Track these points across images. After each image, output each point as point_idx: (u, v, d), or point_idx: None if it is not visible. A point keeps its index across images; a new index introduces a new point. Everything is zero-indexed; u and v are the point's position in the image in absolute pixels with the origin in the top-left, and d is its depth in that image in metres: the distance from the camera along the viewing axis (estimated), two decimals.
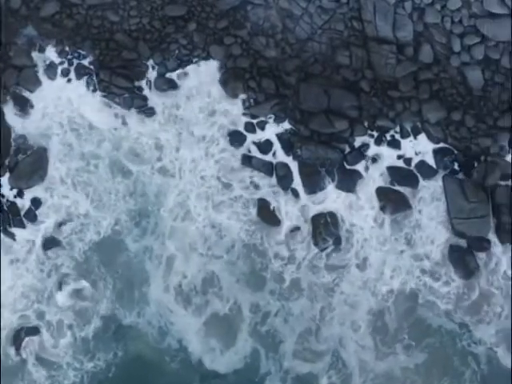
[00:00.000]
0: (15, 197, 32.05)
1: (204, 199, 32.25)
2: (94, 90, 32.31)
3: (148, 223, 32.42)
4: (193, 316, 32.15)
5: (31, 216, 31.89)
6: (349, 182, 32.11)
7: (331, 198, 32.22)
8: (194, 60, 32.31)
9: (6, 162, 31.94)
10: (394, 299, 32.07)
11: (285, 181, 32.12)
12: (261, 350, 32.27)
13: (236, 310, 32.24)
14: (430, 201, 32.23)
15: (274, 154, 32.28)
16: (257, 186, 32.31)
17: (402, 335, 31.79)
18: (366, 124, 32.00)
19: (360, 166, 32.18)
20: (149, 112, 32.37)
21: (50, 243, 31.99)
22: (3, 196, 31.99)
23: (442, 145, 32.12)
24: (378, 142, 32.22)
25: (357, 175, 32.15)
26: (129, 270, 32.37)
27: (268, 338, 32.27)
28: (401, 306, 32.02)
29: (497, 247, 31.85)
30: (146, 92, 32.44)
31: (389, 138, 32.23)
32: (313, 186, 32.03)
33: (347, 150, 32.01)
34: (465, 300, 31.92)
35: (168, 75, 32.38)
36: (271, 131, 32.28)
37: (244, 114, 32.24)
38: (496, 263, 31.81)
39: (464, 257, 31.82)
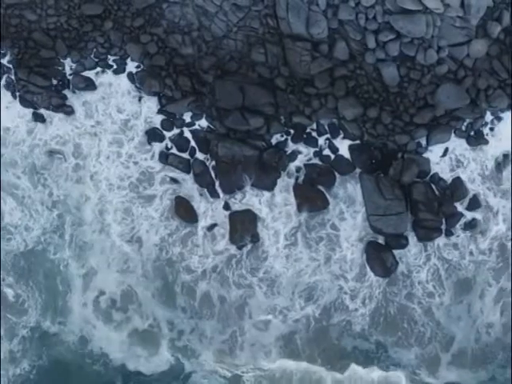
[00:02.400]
0: None
1: (120, 203, 32.58)
2: (13, 89, 32.44)
3: (68, 235, 32.74)
4: (115, 331, 32.87)
5: None
6: (266, 179, 32.15)
7: (248, 196, 32.26)
8: (112, 59, 32.34)
9: None
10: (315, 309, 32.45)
11: (202, 178, 32.23)
12: (183, 359, 33.00)
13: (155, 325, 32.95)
14: (347, 198, 32.20)
15: (191, 151, 32.31)
16: (174, 184, 32.36)
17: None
18: (282, 121, 32.00)
19: (278, 164, 32.11)
20: (68, 111, 32.49)
21: None
22: None
23: (358, 142, 32.04)
24: (295, 139, 32.19)
25: (274, 173, 32.15)
26: (52, 280, 32.92)
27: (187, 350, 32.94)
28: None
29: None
30: (64, 90, 32.57)
31: (305, 135, 32.16)
32: (230, 183, 32.10)
33: (264, 147, 31.96)
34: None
35: (86, 74, 32.47)
36: (188, 128, 32.29)
37: (160, 112, 32.27)
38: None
39: (381, 254, 31.79)
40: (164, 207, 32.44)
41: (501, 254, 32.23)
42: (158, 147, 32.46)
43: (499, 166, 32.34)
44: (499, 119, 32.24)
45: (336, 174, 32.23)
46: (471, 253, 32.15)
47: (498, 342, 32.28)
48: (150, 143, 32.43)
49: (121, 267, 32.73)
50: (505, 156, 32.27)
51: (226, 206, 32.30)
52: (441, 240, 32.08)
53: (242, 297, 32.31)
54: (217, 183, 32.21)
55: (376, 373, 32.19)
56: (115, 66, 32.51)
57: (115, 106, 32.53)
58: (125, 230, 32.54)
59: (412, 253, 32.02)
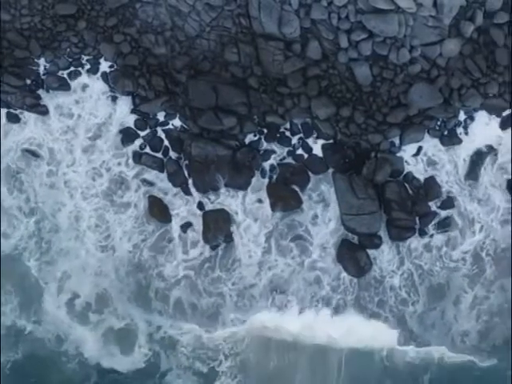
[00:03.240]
0: None
1: (94, 211, 32.73)
2: None
3: (44, 242, 32.89)
4: (89, 330, 32.97)
5: None
6: (239, 179, 32.21)
7: (222, 195, 32.31)
8: (85, 58, 32.39)
9: None
10: None
11: (176, 178, 32.29)
12: (160, 352, 33.07)
13: (132, 324, 33.08)
14: (320, 197, 32.26)
15: (164, 151, 32.37)
16: (148, 183, 32.43)
17: None
18: (255, 121, 32.05)
19: (251, 163, 32.16)
20: (42, 110, 32.56)
21: None
22: None
23: (331, 141, 32.07)
24: (269, 138, 32.26)
25: (248, 172, 32.20)
26: (28, 283, 33.14)
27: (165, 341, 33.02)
28: None
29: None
30: (39, 90, 32.61)
31: (279, 134, 32.20)
32: (203, 182, 32.15)
33: (237, 146, 32.01)
34: None
35: (60, 73, 32.52)
36: (161, 128, 32.36)
37: (134, 112, 32.33)
38: None
39: (354, 253, 31.83)
40: (138, 212, 32.53)
41: (475, 262, 32.29)
42: (131, 149, 32.47)
43: (474, 166, 32.35)
44: (472, 118, 32.27)
45: (310, 173, 32.27)
46: (446, 259, 32.18)
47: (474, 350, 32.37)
48: (123, 144, 32.45)
49: (95, 272, 32.80)
50: (477, 154, 32.30)
51: (200, 206, 32.35)
52: (415, 243, 32.13)
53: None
54: (190, 183, 32.25)
55: None
56: (89, 66, 32.59)
57: (89, 106, 32.56)
58: (99, 237, 32.68)
59: (385, 259, 32.02)
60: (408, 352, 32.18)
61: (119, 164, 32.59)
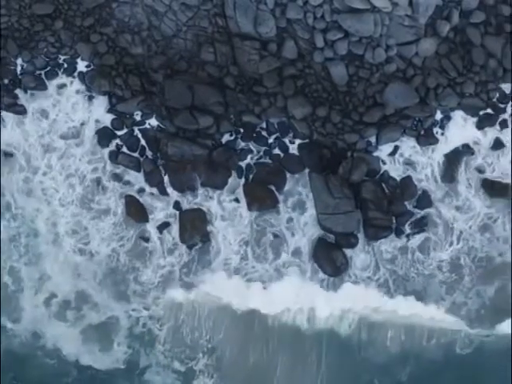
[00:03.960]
0: None
1: (71, 216, 32.73)
2: None
3: (23, 246, 32.92)
4: (68, 328, 32.94)
5: None
6: (216, 178, 32.23)
7: (199, 195, 32.37)
8: (63, 58, 32.45)
9: None
10: None
11: (152, 177, 32.31)
12: (139, 349, 33.10)
13: (112, 319, 33.08)
14: (297, 196, 32.29)
15: (141, 150, 32.43)
16: (125, 183, 32.48)
17: None
18: (232, 120, 32.07)
19: (227, 163, 32.17)
20: (19, 110, 32.62)
21: None
22: None
23: (308, 141, 32.10)
24: (245, 138, 32.29)
25: (224, 172, 32.23)
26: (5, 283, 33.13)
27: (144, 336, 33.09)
28: None
29: None
30: (16, 90, 32.66)
31: (255, 134, 32.24)
32: (180, 182, 32.19)
33: (213, 146, 32.05)
34: None
35: (37, 73, 32.58)
36: (138, 127, 32.42)
37: (111, 111, 32.38)
38: None
39: (331, 253, 31.84)
40: (117, 217, 32.57)
41: (454, 269, 32.33)
42: (108, 149, 32.49)
43: (450, 166, 32.34)
44: (449, 118, 32.27)
45: (286, 172, 32.29)
46: (423, 265, 32.27)
47: None
48: (100, 145, 32.44)
49: (74, 274, 32.83)
50: (454, 154, 32.28)
51: (177, 205, 32.38)
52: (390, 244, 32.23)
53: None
54: (167, 182, 32.28)
55: None
56: (66, 66, 32.57)
57: (65, 106, 32.59)
58: (77, 242, 32.67)
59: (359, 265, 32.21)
60: None
61: (96, 168, 32.56)
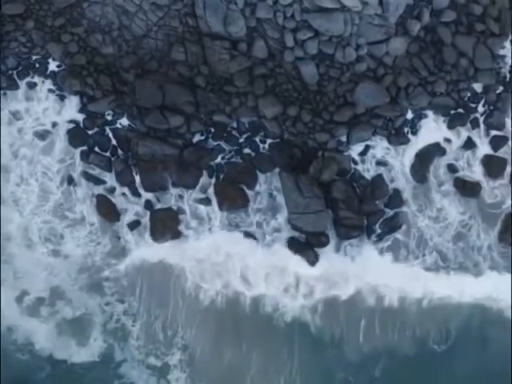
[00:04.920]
0: None
1: (43, 223, 32.82)
2: None
3: None
4: (41, 323, 32.98)
5: None
6: (187, 178, 32.23)
7: (170, 194, 32.42)
8: (34, 58, 32.49)
9: None
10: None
11: (123, 177, 32.35)
12: (114, 344, 33.21)
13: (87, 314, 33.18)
14: (267, 196, 32.32)
15: (112, 150, 32.45)
16: (96, 182, 32.48)
17: None
18: (202, 120, 32.06)
19: (199, 162, 32.16)
20: None
21: None
22: None
23: (278, 140, 32.10)
24: (216, 137, 32.28)
25: (195, 171, 32.24)
26: None
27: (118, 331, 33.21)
28: None
29: None
30: None
31: (226, 133, 32.24)
32: (151, 182, 32.21)
33: (184, 145, 32.06)
34: None
35: (8, 73, 32.57)
36: (109, 127, 32.46)
37: (82, 111, 32.41)
38: None
39: (302, 252, 31.88)
40: (89, 222, 32.73)
41: None
42: (79, 147, 32.51)
43: (422, 165, 32.30)
44: (420, 117, 32.23)
45: (257, 172, 32.29)
46: None
47: None
48: (72, 145, 32.43)
49: (47, 274, 32.92)
50: (425, 153, 32.24)
51: (148, 205, 32.40)
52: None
53: None
54: (138, 182, 32.31)
55: None
56: (38, 65, 32.56)
57: (37, 106, 32.64)
58: (50, 246, 32.75)
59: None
60: None
61: (67, 167, 32.60)
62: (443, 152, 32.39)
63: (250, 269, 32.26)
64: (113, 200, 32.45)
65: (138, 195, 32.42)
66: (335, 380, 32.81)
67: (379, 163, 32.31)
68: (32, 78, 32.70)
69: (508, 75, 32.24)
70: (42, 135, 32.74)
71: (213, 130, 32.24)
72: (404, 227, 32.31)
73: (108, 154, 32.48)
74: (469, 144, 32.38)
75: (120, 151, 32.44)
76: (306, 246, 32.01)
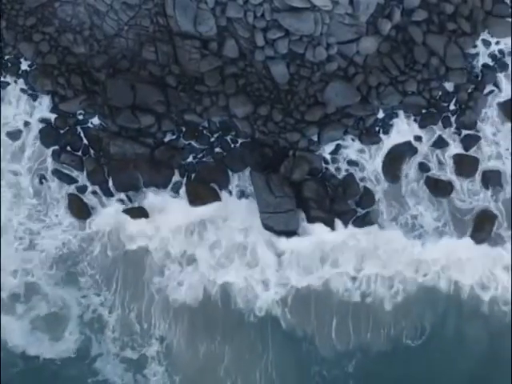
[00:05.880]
0: None
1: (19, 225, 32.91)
2: None
3: None
4: (15, 319, 32.81)
5: None
6: (159, 177, 32.27)
7: (141, 194, 32.49)
8: (6, 57, 32.53)
9: None
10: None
11: (95, 176, 32.38)
12: (90, 335, 33.06)
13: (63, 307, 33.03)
14: (239, 195, 32.37)
15: (84, 149, 32.50)
16: (67, 182, 32.52)
17: None
18: (173, 119, 32.07)
19: (170, 161, 32.20)
20: None
21: None
22: None
23: (249, 139, 32.15)
24: (187, 136, 32.32)
25: (167, 170, 32.28)
26: None
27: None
28: None
29: None
30: None
31: (197, 132, 32.28)
32: (122, 181, 32.28)
33: (155, 145, 32.11)
34: None
35: None
36: (81, 127, 32.51)
37: (53, 111, 32.47)
38: None
39: None
40: (65, 225, 32.83)
41: None
42: (50, 149, 32.54)
43: (393, 164, 32.30)
44: (391, 117, 32.24)
45: (229, 171, 32.33)
46: None
47: None
48: (43, 144, 32.49)
49: (22, 268, 32.88)
50: (397, 153, 32.24)
51: (120, 204, 32.46)
52: None
53: None
54: (110, 181, 32.37)
55: None
56: (10, 65, 32.61)
57: (9, 105, 32.69)
58: (25, 243, 32.80)
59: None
60: None
61: (39, 166, 32.66)
62: (415, 151, 32.36)
63: None
64: (84, 199, 32.48)
65: (110, 194, 32.44)
66: None
67: (350, 162, 32.30)
68: (4, 77, 32.73)
69: (479, 74, 32.22)
70: (14, 135, 32.74)
71: (184, 129, 32.26)
72: (376, 226, 32.27)
73: (79, 153, 32.51)
74: (440, 143, 32.37)
75: (91, 150, 32.48)
76: None
